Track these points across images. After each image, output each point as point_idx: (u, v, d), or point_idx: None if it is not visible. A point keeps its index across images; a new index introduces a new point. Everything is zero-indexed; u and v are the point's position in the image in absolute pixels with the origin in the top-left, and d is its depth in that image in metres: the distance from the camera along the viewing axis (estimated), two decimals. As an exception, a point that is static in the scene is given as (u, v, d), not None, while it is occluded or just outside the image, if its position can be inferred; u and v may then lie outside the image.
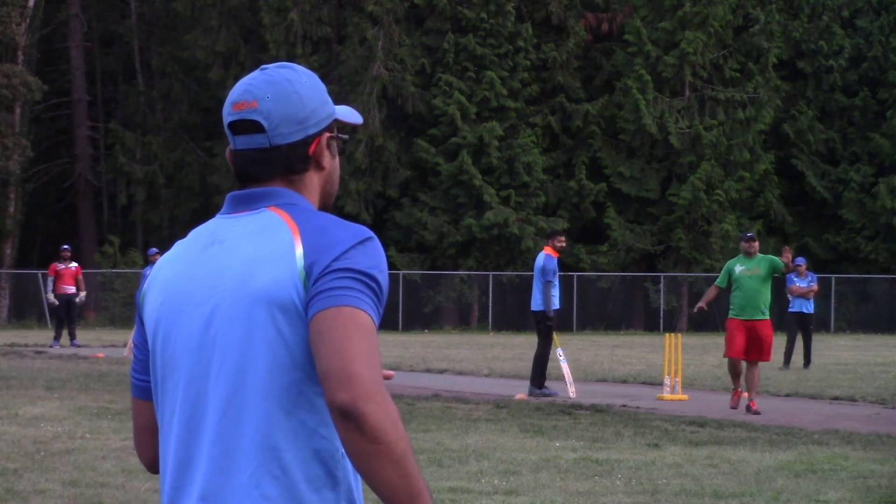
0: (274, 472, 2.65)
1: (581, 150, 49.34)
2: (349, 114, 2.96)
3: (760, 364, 17.20)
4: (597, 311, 49.21)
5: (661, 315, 48.42)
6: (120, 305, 47.30)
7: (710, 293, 17.54)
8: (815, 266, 47.26)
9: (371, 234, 2.73)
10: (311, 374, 2.66)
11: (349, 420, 2.51)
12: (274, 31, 47.67)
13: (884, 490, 10.80)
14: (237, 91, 2.85)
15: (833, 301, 47.04)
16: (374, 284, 2.66)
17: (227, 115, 2.84)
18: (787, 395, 19.82)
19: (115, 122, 52.88)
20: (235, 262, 2.74)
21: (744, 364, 16.92)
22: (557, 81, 49.27)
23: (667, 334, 20.27)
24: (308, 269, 2.66)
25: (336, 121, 2.91)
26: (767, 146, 49.40)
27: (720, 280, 17.41)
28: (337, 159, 2.93)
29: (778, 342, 25.31)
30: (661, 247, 48.93)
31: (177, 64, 51.47)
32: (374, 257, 2.70)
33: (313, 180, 2.86)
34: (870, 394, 19.46)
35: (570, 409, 16.89)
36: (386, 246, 48.50)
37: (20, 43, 48.87)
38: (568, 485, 10.82)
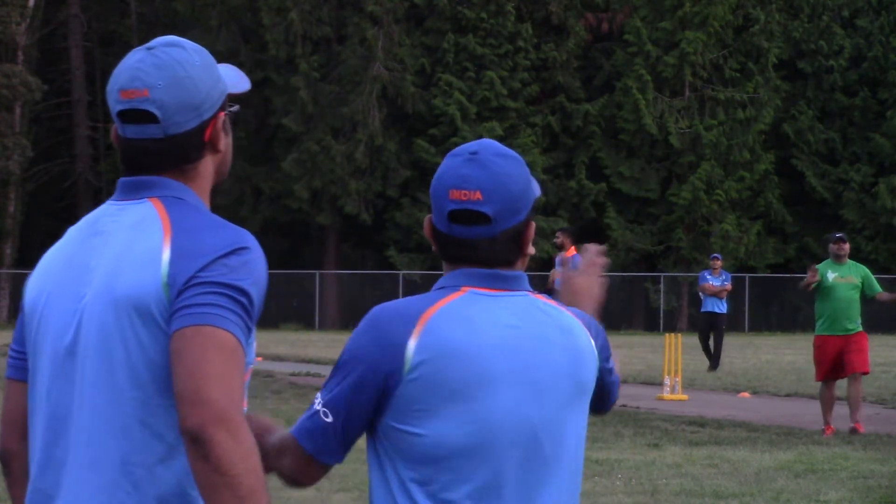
0: (125, 487, 2.51)
1: (581, 150, 49.32)
2: (237, 81, 2.78)
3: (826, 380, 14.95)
4: (597, 311, 49.13)
5: (661, 315, 48.41)
6: (120, 305, 47.28)
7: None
8: (815, 266, 47.17)
9: (247, 243, 2.56)
10: (171, 387, 2.48)
11: (196, 446, 2.38)
12: (274, 31, 47.66)
13: (884, 490, 10.80)
14: (124, 76, 2.67)
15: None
16: (243, 299, 2.49)
17: (115, 102, 2.66)
18: (787, 395, 19.82)
19: (115, 122, 52.86)
20: (106, 259, 2.59)
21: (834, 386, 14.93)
22: (557, 81, 49.26)
23: (667, 334, 20.26)
24: (172, 277, 2.50)
25: (227, 94, 2.73)
26: (767, 146, 49.39)
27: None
28: (230, 136, 2.74)
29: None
30: (661, 247, 48.92)
31: (177, 64, 51.42)
32: (246, 268, 2.52)
33: (207, 166, 2.68)
34: (870, 394, 19.43)
35: (570, 409, 16.87)
36: (386, 246, 48.51)
37: (20, 43, 48.86)
38: (568, 485, 10.80)
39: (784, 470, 11.79)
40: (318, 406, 2.71)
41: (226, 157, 2.73)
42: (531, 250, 2.83)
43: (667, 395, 19.02)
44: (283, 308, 50.43)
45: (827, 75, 49.76)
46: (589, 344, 2.83)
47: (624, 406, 17.56)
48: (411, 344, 2.65)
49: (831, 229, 49.27)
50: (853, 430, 14.45)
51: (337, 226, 49.25)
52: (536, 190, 2.85)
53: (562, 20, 49.29)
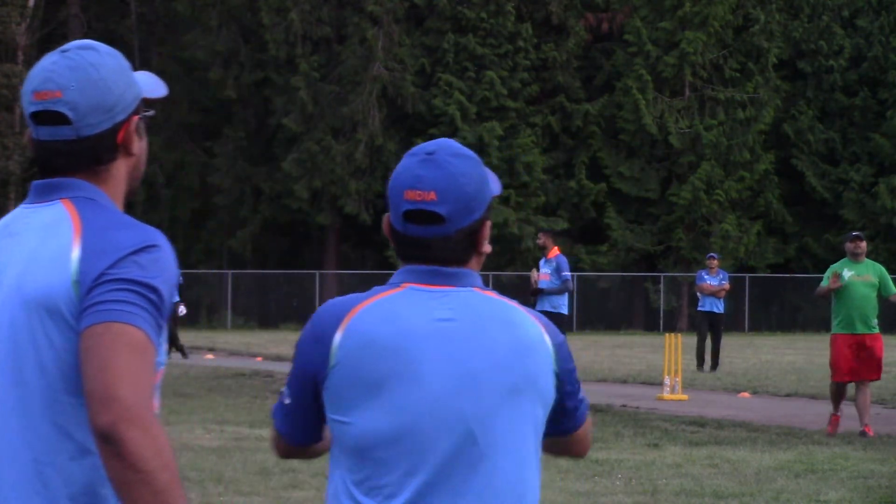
0: (36, 486, 2.51)
1: (581, 150, 49.31)
2: (153, 87, 2.82)
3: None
4: (597, 311, 49.22)
5: (661, 315, 48.41)
6: (120, 305, 47.23)
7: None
8: (816, 266, 47.25)
9: (157, 240, 2.56)
10: (81, 386, 2.47)
11: (109, 445, 2.37)
12: (274, 31, 47.65)
13: (884, 490, 10.80)
14: (38, 78, 2.65)
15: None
16: (153, 296, 2.49)
17: (29, 104, 2.66)
18: (787, 395, 19.82)
19: (115, 122, 52.82)
20: (17, 260, 2.59)
21: (848, 386, 14.82)
22: (557, 81, 49.26)
23: (667, 334, 20.26)
24: (81, 275, 2.50)
25: (142, 98, 2.75)
26: (767, 146, 49.40)
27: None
28: (145, 140, 2.76)
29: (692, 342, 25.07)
30: (661, 247, 48.92)
31: (177, 64, 51.46)
32: (156, 266, 2.52)
33: (120, 169, 2.69)
34: (852, 388, 19.42)
35: (570, 409, 16.87)
36: (386, 246, 48.45)
37: (20, 43, 48.87)
38: (568, 485, 10.81)
39: (784, 470, 11.79)
40: (283, 387, 2.87)
41: (140, 161, 2.75)
42: (487, 249, 2.86)
43: (667, 395, 19.03)
44: (283, 308, 50.44)
45: (827, 75, 49.76)
46: (541, 341, 2.83)
47: (624, 406, 17.56)
48: (337, 337, 2.75)
49: (831, 229, 49.36)
50: (863, 434, 14.37)
51: (337, 226, 49.25)
52: (495, 189, 2.88)
53: (562, 20, 49.29)
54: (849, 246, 14.92)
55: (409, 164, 2.81)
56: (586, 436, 3.07)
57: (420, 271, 2.80)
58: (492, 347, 2.76)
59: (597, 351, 31.84)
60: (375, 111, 47.16)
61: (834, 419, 14.66)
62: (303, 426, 2.87)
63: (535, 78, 49.11)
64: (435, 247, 2.78)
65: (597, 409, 16.95)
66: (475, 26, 48.15)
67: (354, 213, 47.61)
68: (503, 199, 47.44)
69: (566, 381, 2.89)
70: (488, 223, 2.84)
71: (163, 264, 2.53)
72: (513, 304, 2.86)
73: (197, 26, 49.71)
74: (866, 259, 14.89)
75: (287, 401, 2.85)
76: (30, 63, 49.87)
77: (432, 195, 2.75)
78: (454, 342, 2.75)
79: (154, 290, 2.48)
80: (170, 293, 2.52)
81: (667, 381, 19.25)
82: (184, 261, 45.08)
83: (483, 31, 48.21)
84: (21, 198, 50.08)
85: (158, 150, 51.30)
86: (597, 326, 47.91)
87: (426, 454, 2.73)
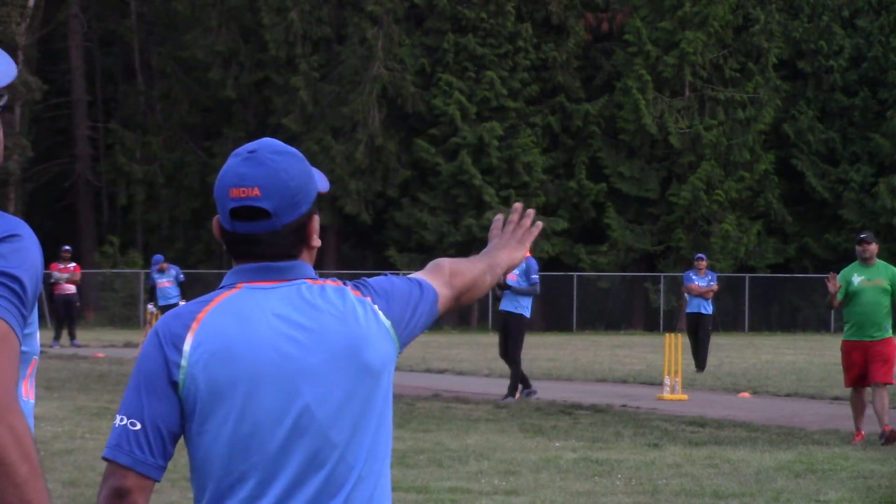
0: None
1: (581, 150, 49.30)
2: (3, 71, 2.72)
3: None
4: (597, 311, 49.20)
5: (661, 315, 48.39)
6: (119, 305, 47.26)
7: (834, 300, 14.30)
8: (815, 266, 47.24)
9: (20, 230, 2.49)
10: None
11: None
12: (274, 31, 47.65)
13: (884, 490, 10.80)
14: None
15: (833, 301, 47.02)
16: (14, 285, 2.41)
17: None
18: (787, 395, 19.83)
19: (115, 122, 52.88)
20: None
21: (867, 389, 14.28)
22: (557, 81, 49.25)
23: (667, 334, 20.26)
24: None
25: None
26: (767, 146, 49.39)
27: (838, 294, 14.20)
28: (0, 128, 2.68)
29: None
30: (661, 247, 48.92)
31: (177, 64, 51.45)
32: (18, 255, 2.44)
33: None
34: (870, 394, 19.42)
35: (570, 409, 16.90)
36: (386, 246, 48.49)
37: (20, 43, 48.86)
38: (568, 485, 10.82)
39: (784, 470, 11.79)
40: (120, 422, 2.76)
41: None
42: (317, 242, 2.90)
43: (667, 395, 19.03)
44: (283, 308, 50.42)
45: (827, 75, 49.75)
46: (375, 325, 2.85)
47: (624, 406, 17.57)
48: (186, 346, 2.75)
49: (831, 229, 49.34)
50: (883, 433, 13.98)
51: (337, 226, 49.25)
52: (322, 185, 2.92)
53: (562, 20, 49.28)
54: (857, 250, 14.39)
55: (232, 164, 2.84)
56: (457, 283, 3.09)
57: (251, 269, 2.84)
58: (328, 341, 2.79)
59: (597, 351, 31.85)
60: (375, 111, 47.17)
61: (858, 434, 14.06)
62: (162, 447, 2.76)
63: (535, 78, 49.11)
64: (264, 242, 2.82)
65: (597, 409, 16.96)
66: (475, 26, 48.15)
67: (354, 214, 47.61)
68: (503, 200, 47.45)
69: (402, 319, 2.91)
70: (316, 217, 2.89)
71: (25, 254, 2.45)
72: (343, 288, 2.88)
73: (197, 26, 49.70)
74: (878, 262, 14.31)
75: (136, 426, 2.74)
76: (30, 63, 49.90)
77: (256, 191, 2.80)
78: (292, 339, 2.77)
79: (16, 279, 2.41)
80: (33, 283, 2.45)
81: (667, 381, 19.25)
82: (184, 261, 45.08)
83: (483, 31, 48.21)
84: (21, 198, 50.08)
85: (158, 150, 51.32)
86: (597, 326, 47.90)
87: (281, 457, 2.73)
